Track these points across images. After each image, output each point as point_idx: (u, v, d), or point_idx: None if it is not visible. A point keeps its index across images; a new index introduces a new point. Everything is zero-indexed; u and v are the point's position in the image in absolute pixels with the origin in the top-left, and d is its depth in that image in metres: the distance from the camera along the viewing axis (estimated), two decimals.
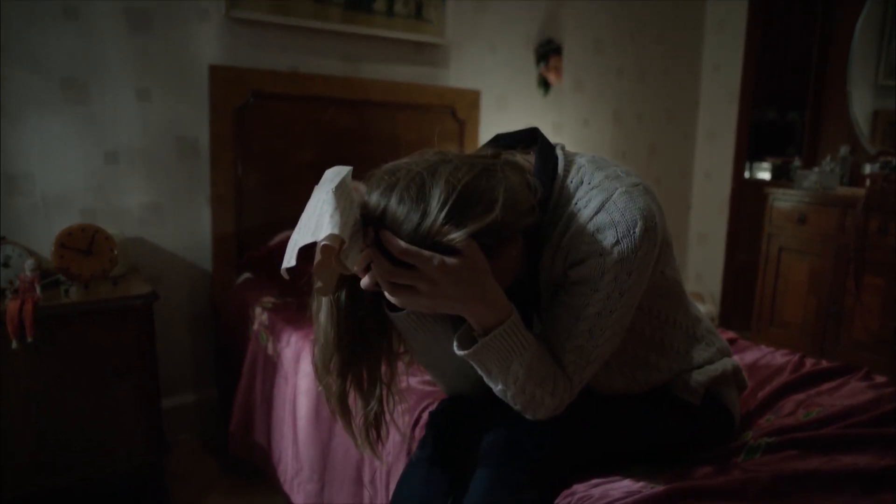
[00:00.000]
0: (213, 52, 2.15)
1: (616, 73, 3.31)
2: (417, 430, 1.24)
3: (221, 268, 2.21)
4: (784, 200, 2.84)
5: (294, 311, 1.87)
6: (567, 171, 0.96)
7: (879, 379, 1.46)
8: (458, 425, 1.09)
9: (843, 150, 2.95)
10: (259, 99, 2.20)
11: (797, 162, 3.33)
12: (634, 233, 0.87)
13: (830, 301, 2.67)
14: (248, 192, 2.24)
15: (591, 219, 0.89)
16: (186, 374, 2.26)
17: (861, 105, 3.06)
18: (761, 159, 3.92)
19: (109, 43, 1.97)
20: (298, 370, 1.64)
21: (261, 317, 1.90)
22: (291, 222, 2.49)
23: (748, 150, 3.63)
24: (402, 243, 0.78)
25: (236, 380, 1.95)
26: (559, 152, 0.98)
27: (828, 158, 2.98)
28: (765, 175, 3.83)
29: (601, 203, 0.90)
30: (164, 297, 2.12)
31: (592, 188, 0.92)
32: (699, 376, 1.13)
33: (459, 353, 0.89)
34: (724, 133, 3.60)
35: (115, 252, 1.77)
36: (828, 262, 2.68)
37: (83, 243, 1.72)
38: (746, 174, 3.66)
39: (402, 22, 2.52)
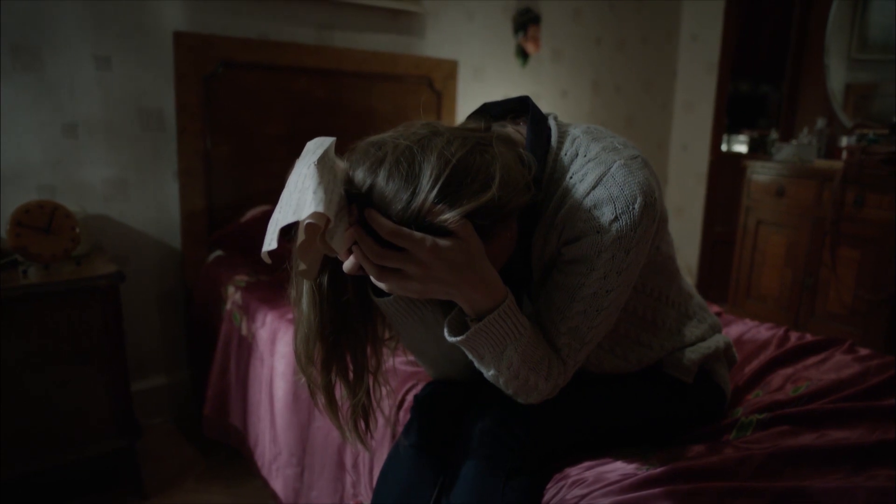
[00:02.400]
0: (178, 17, 2.03)
1: (595, 43, 3.25)
2: (402, 414, 1.20)
3: (191, 245, 2.12)
4: (762, 173, 2.84)
5: (268, 290, 1.80)
6: (561, 142, 0.90)
7: (864, 351, 1.46)
8: (444, 410, 1.05)
9: (821, 122, 2.95)
10: (227, 68, 2.10)
11: (773, 134, 3.33)
12: (634, 209, 0.83)
13: (806, 273, 2.69)
14: (218, 166, 2.14)
15: (588, 194, 0.84)
16: (157, 356, 2.18)
17: (835, 78, 3.06)
18: (737, 132, 3.92)
19: (63, 6, 1.84)
20: (275, 352, 1.58)
21: (234, 296, 1.83)
22: (263, 197, 2.42)
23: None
24: (391, 223, 0.71)
25: (209, 361, 1.89)
26: (552, 123, 0.92)
27: (805, 131, 2.98)
28: (741, 148, 3.83)
29: (598, 177, 0.85)
30: (131, 276, 2.03)
31: (589, 161, 0.87)
32: (692, 354, 1.11)
33: (450, 339, 0.84)
34: (702, 105, 3.58)
35: (77, 230, 1.67)
36: (804, 235, 2.69)
37: (42, 221, 1.62)
38: (724, 147, 3.66)
39: None
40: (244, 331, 1.75)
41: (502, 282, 0.82)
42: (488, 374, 0.89)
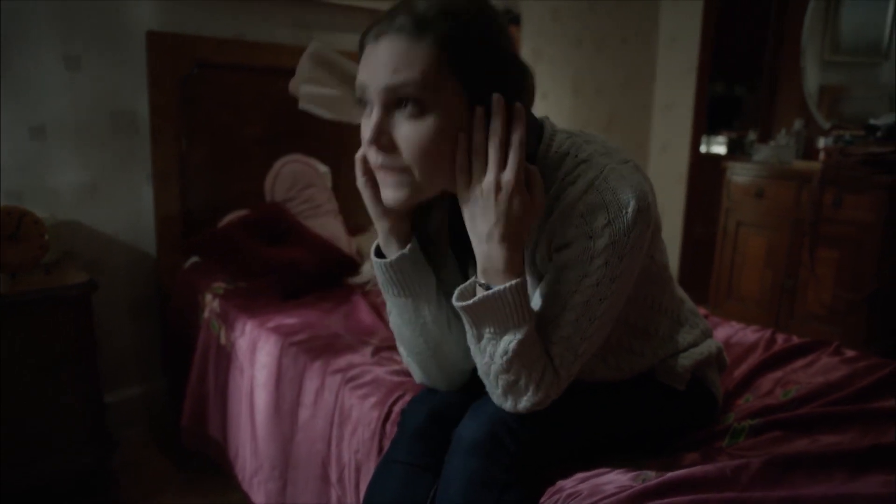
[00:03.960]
0: (151, 17, 1.97)
1: (575, 44, 3.25)
2: (389, 427, 1.16)
3: (167, 251, 2.06)
4: (742, 175, 2.85)
5: (247, 298, 1.75)
6: (552, 138, 0.89)
7: (850, 353, 1.47)
8: (433, 423, 1.01)
9: (798, 123, 2.98)
10: (203, 68, 2.04)
11: (752, 136, 3.36)
12: (627, 213, 0.81)
13: (786, 274, 2.71)
14: (194, 169, 2.09)
15: (580, 198, 0.82)
16: (131, 366, 2.12)
17: (810, 80, 3.10)
18: (714, 133, 3.95)
19: (30, 3, 1.76)
20: (255, 361, 1.53)
21: (212, 304, 1.78)
22: (241, 200, 2.37)
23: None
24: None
25: (186, 371, 1.83)
26: (544, 119, 0.92)
27: (783, 132, 3.01)
28: (719, 149, 3.86)
29: (591, 181, 0.83)
30: (104, 283, 1.96)
31: (581, 162, 0.85)
32: (684, 360, 1.09)
33: (458, 304, 0.83)
34: (681, 106, 3.60)
35: (47, 237, 1.61)
36: (784, 236, 2.71)
37: (8, 228, 1.55)
38: (703, 148, 3.68)
39: None
40: (223, 340, 1.69)
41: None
42: (482, 360, 0.87)
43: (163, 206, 2.04)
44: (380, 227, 0.92)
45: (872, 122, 2.68)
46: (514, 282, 0.80)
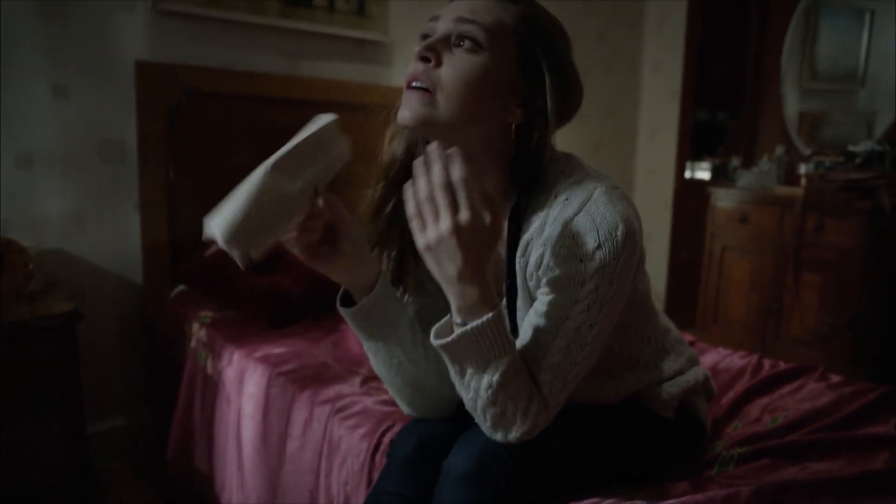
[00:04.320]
0: (140, 46, 1.98)
1: None
2: (378, 457, 1.15)
3: (153, 280, 2.04)
4: (726, 200, 2.89)
5: (235, 327, 1.74)
6: (552, 157, 0.93)
7: (835, 378, 1.48)
8: (422, 453, 1.00)
9: (779, 150, 3.04)
10: (192, 97, 2.05)
11: (735, 162, 3.41)
12: (616, 236, 0.82)
13: (771, 298, 2.74)
14: (182, 197, 2.08)
15: (572, 219, 0.84)
16: (116, 397, 2.08)
17: (790, 106, 3.17)
18: (699, 159, 4.00)
19: (18, 32, 1.77)
20: (242, 392, 1.52)
21: (198, 333, 1.76)
22: None
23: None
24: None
25: (172, 402, 1.80)
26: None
27: (764, 158, 3.06)
28: (703, 174, 3.91)
29: (582, 203, 0.84)
30: (89, 312, 1.92)
31: (573, 182, 0.88)
32: (671, 388, 1.10)
33: (436, 342, 0.83)
34: (665, 132, 3.65)
35: (31, 266, 1.59)
36: (768, 261, 2.74)
37: None
38: (687, 173, 3.73)
39: (344, 18, 2.41)
40: (210, 369, 1.68)
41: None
42: (468, 396, 0.86)
43: (150, 235, 2.03)
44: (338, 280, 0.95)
45: (851, 148, 2.74)
46: (490, 315, 0.79)
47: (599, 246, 0.82)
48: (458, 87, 0.84)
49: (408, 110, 0.86)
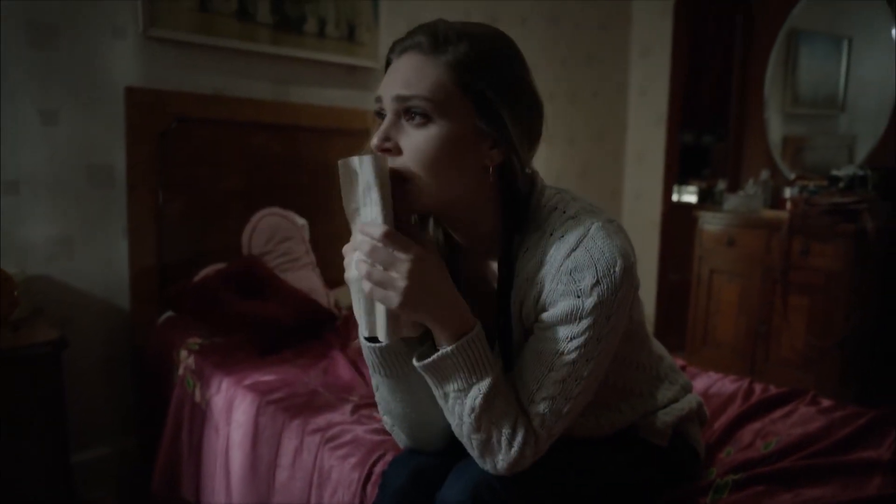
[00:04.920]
0: (130, 72, 1.98)
1: (547, 98, 3.32)
2: (370, 488, 1.13)
3: (141, 306, 2.02)
4: (713, 223, 2.92)
5: (223, 354, 1.72)
6: (542, 192, 0.92)
7: (825, 402, 1.49)
8: (415, 484, 0.99)
9: (765, 174, 3.08)
10: (182, 124, 2.05)
11: (721, 185, 3.45)
12: (615, 272, 0.82)
13: (759, 321, 2.75)
14: (170, 223, 2.07)
15: (569, 255, 0.84)
16: (102, 424, 2.05)
17: (774, 131, 3.22)
18: (685, 182, 4.05)
19: (7, 57, 1.77)
20: (231, 420, 1.50)
21: (186, 360, 1.74)
22: (219, 255, 2.35)
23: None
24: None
25: (159, 430, 1.77)
26: (535, 173, 0.95)
27: (750, 182, 3.10)
28: (690, 197, 3.95)
29: (578, 239, 0.84)
30: (75, 339, 1.90)
31: (568, 218, 0.87)
32: (666, 417, 1.09)
33: (417, 364, 0.85)
34: (652, 156, 3.70)
35: (17, 293, 1.58)
36: (756, 283, 2.76)
37: None
38: (675, 196, 3.77)
39: (334, 44, 2.43)
40: (198, 397, 1.65)
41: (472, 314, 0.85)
42: (454, 423, 0.87)
43: (138, 261, 2.01)
44: None
45: (835, 172, 2.78)
46: (469, 335, 0.82)
47: (598, 282, 0.81)
48: (426, 170, 0.82)
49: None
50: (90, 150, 1.94)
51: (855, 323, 2.48)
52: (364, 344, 0.91)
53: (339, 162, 0.81)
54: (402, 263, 0.78)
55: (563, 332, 0.84)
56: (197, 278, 2.01)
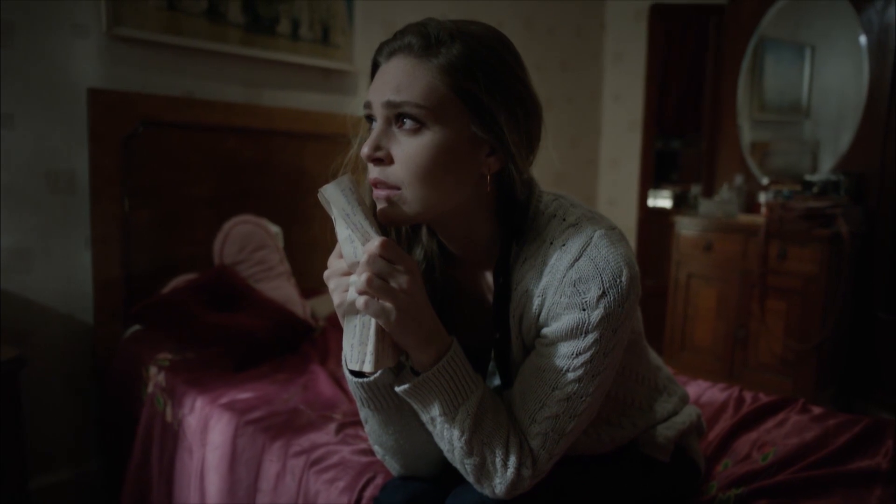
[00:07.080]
0: (93, 73, 1.88)
1: None
2: None
3: (106, 320, 1.91)
4: (689, 228, 2.93)
5: (197, 371, 1.63)
6: (540, 198, 0.87)
7: (817, 410, 1.47)
8: None
9: (739, 179, 3.10)
10: (149, 127, 1.95)
11: (695, 190, 3.47)
12: (621, 282, 0.77)
13: (737, 325, 2.76)
14: (137, 232, 1.97)
15: (572, 265, 0.79)
16: (62, 448, 1.93)
17: (743, 136, 3.25)
18: (657, 187, 4.07)
19: None
20: (207, 442, 1.41)
21: (156, 377, 1.65)
22: (188, 264, 2.25)
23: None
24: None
25: (127, 453, 1.67)
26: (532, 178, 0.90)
27: (725, 187, 3.12)
28: (664, 202, 3.97)
29: (581, 247, 0.79)
30: (35, 358, 1.80)
31: (569, 226, 0.82)
32: (667, 431, 1.06)
33: (399, 388, 0.79)
34: (626, 161, 3.71)
35: None
36: (734, 288, 2.77)
37: None
38: (648, 202, 3.78)
39: (308, 46, 2.36)
40: (169, 417, 1.56)
41: (447, 333, 0.80)
42: (445, 449, 0.82)
43: (102, 272, 1.90)
44: None
45: (808, 177, 2.81)
46: (449, 353, 0.78)
47: (604, 294, 0.77)
48: (420, 180, 0.76)
49: (386, 215, 0.80)
50: (49, 156, 1.83)
51: (830, 327, 2.51)
52: (350, 379, 0.85)
53: (318, 194, 0.77)
54: (401, 275, 0.73)
55: (568, 347, 0.79)
56: (166, 290, 1.91)
